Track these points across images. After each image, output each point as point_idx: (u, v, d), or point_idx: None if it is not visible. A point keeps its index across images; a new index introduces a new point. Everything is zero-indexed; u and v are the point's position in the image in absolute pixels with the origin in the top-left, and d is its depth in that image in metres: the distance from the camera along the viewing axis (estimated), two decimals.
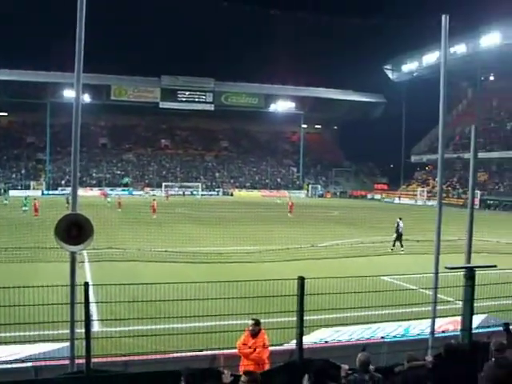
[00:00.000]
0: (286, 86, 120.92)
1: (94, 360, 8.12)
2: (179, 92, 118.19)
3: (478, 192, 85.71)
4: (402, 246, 32.58)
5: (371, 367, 7.93)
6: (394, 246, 32.73)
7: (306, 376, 7.12)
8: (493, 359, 8.30)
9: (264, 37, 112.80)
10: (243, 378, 7.05)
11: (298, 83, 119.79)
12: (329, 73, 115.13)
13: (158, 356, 10.16)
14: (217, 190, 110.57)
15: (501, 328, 10.04)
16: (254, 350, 9.89)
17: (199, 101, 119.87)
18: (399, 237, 33.01)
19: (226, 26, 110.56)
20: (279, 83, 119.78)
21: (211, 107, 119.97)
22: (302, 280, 8.48)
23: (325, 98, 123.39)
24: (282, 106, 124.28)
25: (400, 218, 33.96)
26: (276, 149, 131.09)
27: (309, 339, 11.94)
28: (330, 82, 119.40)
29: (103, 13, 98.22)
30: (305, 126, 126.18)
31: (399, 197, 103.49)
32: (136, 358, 10.12)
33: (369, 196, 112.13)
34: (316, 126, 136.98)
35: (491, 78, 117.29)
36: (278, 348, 11.00)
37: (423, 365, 8.12)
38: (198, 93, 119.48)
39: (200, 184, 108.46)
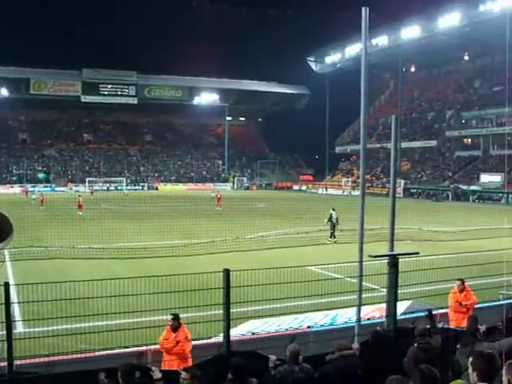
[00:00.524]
0: (210, 78, 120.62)
1: (16, 362, 7.88)
2: (101, 85, 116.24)
3: (402, 181, 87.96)
4: (332, 236, 32.93)
5: (300, 357, 7.97)
6: (333, 237, 32.89)
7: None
8: (415, 344, 8.50)
9: (187, 28, 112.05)
10: (184, 375, 6.94)
11: (223, 75, 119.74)
12: (253, 65, 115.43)
13: (84, 355, 9.94)
14: (141, 184, 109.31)
15: (424, 313, 10.28)
16: (177, 343, 9.86)
17: (122, 94, 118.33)
18: (333, 227, 33.34)
19: (147, 18, 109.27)
20: (203, 76, 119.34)
21: (134, 100, 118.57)
22: (227, 272, 8.46)
23: (249, 90, 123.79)
24: (206, 99, 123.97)
25: (333, 209, 34.29)
26: (201, 142, 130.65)
27: (237, 331, 11.95)
28: (255, 74, 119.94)
29: (21, 3, 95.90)
30: (229, 118, 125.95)
31: (326, 187, 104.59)
32: (61, 357, 9.87)
33: (295, 187, 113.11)
34: (240, 119, 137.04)
35: (412, 69, 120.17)
36: (205, 341, 10.95)
37: (354, 353, 8.21)
38: (120, 86, 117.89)
39: (124, 179, 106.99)
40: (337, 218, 33.69)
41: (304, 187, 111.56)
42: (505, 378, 4.92)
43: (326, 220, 34.08)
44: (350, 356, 8.03)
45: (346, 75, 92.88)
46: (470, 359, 5.33)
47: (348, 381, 7.44)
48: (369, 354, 8.42)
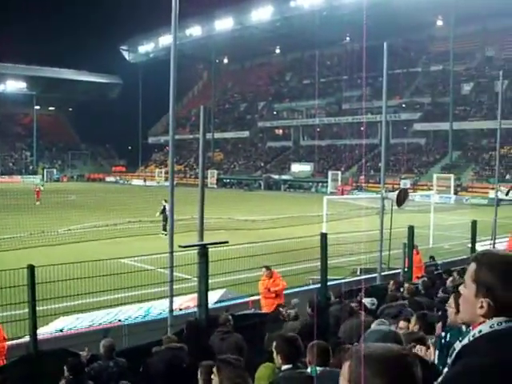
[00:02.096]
0: (16, 64, 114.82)
1: None
2: None
3: (215, 171, 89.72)
4: (165, 229, 32.32)
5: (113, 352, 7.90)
6: (164, 229, 32.13)
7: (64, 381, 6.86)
8: (215, 333, 8.74)
9: None
10: None
11: (30, 62, 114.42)
12: (63, 53, 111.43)
13: None
14: None
15: (237, 301, 10.56)
16: None
17: None
18: (166, 219, 32.52)
19: None
20: (9, 61, 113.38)
21: None
22: (31, 268, 8.16)
23: (59, 78, 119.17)
24: (12, 86, 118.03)
25: (165, 201, 33.31)
26: (6, 132, 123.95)
27: (47, 329, 11.58)
28: (65, 62, 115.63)
29: None
30: (38, 107, 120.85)
31: (144, 179, 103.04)
32: None
33: (110, 179, 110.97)
34: (50, 108, 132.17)
35: (225, 60, 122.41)
36: (14, 342, 10.50)
37: (182, 347, 8.24)
38: None
39: None
40: (169, 211, 32.53)
41: (119, 179, 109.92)
42: (307, 359, 5.22)
43: (158, 213, 33.22)
44: (177, 348, 8.06)
45: (160, 65, 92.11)
46: (274, 343, 5.58)
47: (175, 373, 7.45)
48: (188, 343, 8.51)
